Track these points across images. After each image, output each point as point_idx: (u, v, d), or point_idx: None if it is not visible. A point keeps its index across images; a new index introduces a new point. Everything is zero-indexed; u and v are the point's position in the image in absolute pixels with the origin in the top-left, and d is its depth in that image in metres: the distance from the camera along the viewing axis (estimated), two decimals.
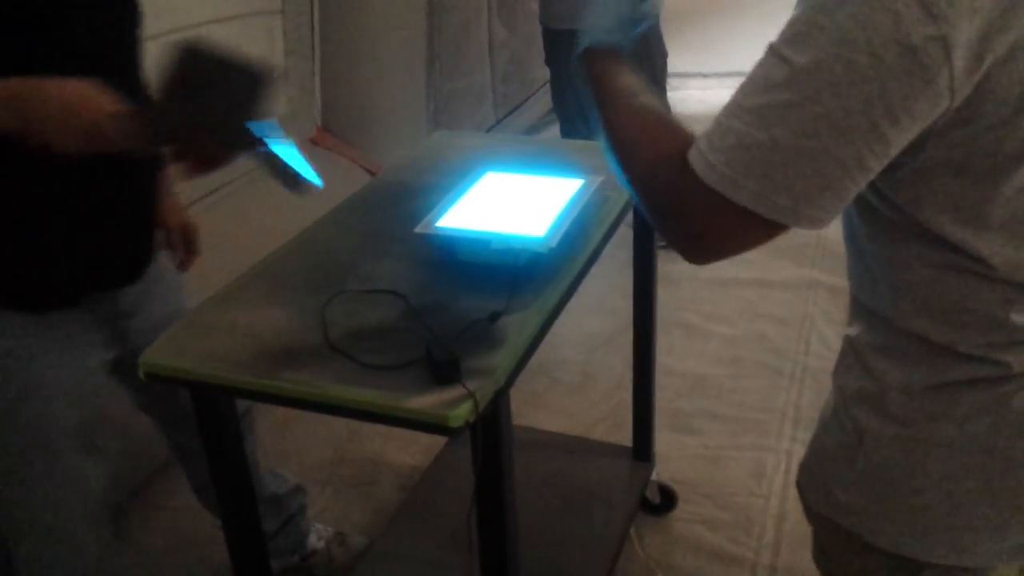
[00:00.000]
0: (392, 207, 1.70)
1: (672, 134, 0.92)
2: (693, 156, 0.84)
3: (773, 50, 0.80)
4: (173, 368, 1.27)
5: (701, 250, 0.87)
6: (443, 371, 1.18)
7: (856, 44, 0.75)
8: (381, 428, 2.40)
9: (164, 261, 1.67)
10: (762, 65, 0.81)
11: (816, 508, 1.08)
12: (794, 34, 0.79)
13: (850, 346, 1.04)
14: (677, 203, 0.86)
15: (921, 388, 0.95)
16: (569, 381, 2.77)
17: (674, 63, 3.53)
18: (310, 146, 2.88)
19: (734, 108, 0.82)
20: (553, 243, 1.40)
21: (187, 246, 1.76)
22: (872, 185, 0.86)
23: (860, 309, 1.02)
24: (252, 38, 2.58)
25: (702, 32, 5.40)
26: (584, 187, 1.60)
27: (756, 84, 0.81)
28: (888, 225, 0.91)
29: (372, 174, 2.97)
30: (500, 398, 1.21)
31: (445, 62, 3.35)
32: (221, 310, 1.39)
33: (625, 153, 0.96)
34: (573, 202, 1.54)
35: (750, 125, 0.80)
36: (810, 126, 0.77)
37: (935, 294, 0.91)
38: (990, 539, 0.98)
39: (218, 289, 1.46)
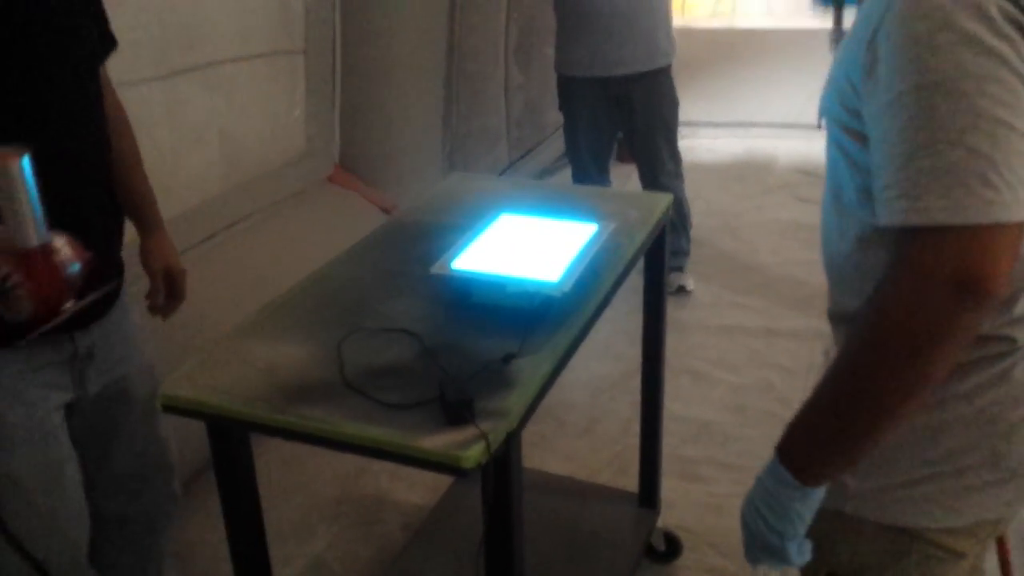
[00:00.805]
0: (408, 247, 1.72)
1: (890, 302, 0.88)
2: (929, 238, 0.83)
3: (900, 96, 0.84)
4: (190, 400, 1.29)
5: (982, 294, 0.84)
6: (456, 412, 1.19)
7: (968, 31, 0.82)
8: (388, 466, 2.40)
9: (128, 306, 1.61)
10: (898, 114, 0.85)
11: (822, 505, 1.05)
12: (909, 65, 0.84)
13: None
14: (940, 275, 0.83)
15: None
16: (575, 424, 2.78)
17: (685, 112, 3.57)
18: (328, 184, 2.92)
19: (900, 160, 0.84)
20: (567, 287, 1.42)
21: (170, 291, 1.69)
22: None
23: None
24: (275, 77, 2.63)
25: (712, 82, 5.47)
26: (598, 233, 1.62)
27: (910, 126, 0.84)
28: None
29: (387, 212, 3.01)
30: (512, 440, 1.23)
31: (462, 104, 3.40)
32: (238, 344, 1.41)
33: (880, 354, 0.89)
34: (587, 247, 1.56)
35: (934, 155, 0.82)
36: (987, 113, 0.81)
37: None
38: (986, 498, 1.03)
39: (235, 323, 1.48)
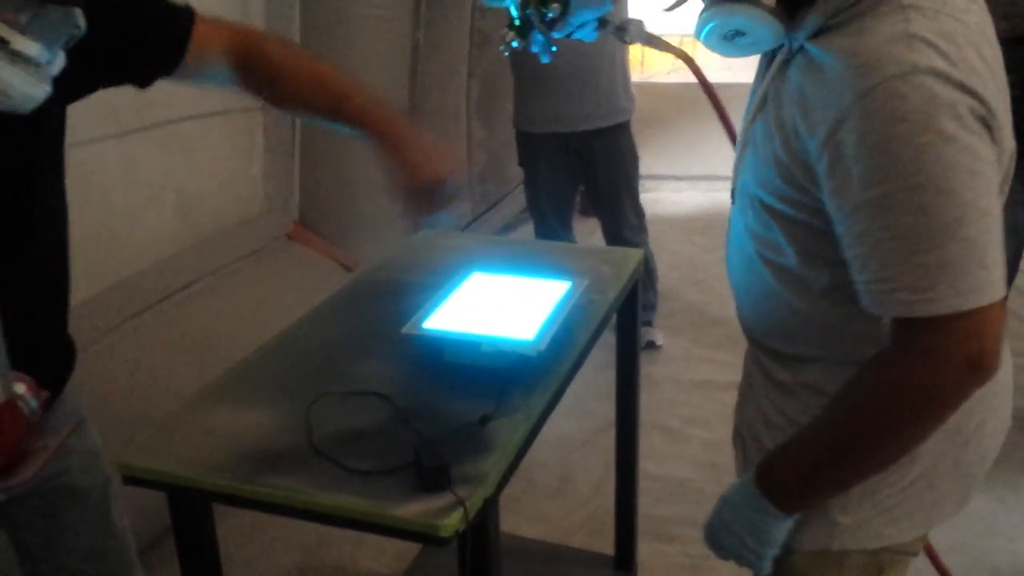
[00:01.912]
0: (377, 306, 1.67)
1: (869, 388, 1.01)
2: (951, 322, 0.91)
3: (886, 197, 0.91)
4: (150, 471, 1.22)
5: (990, 368, 0.94)
6: (432, 478, 1.14)
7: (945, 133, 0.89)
8: (351, 534, 2.32)
9: (74, 403, 1.41)
10: (886, 214, 0.91)
11: (807, 548, 1.15)
12: (893, 165, 0.90)
13: (815, 393, 1.13)
14: (957, 357, 0.93)
15: None
16: (546, 484, 2.71)
17: (647, 166, 3.60)
18: (288, 242, 2.87)
19: (898, 257, 0.92)
20: (543, 346, 1.38)
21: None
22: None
23: (819, 362, 1.13)
24: (232, 134, 2.59)
25: (674, 136, 5.55)
26: (571, 290, 1.59)
27: (904, 224, 0.91)
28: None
29: (349, 270, 2.95)
30: (489, 506, 1.17)
31: None
32: (201, 411, 1.35)
33: (891, 429, 1.00)
34: (561, 304, 1.53)
35: (936, 249, 0.90)
36: (974, 205, 0.90)
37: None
38: (948, 502, 1.15)
39: (197, 388, 1.41)
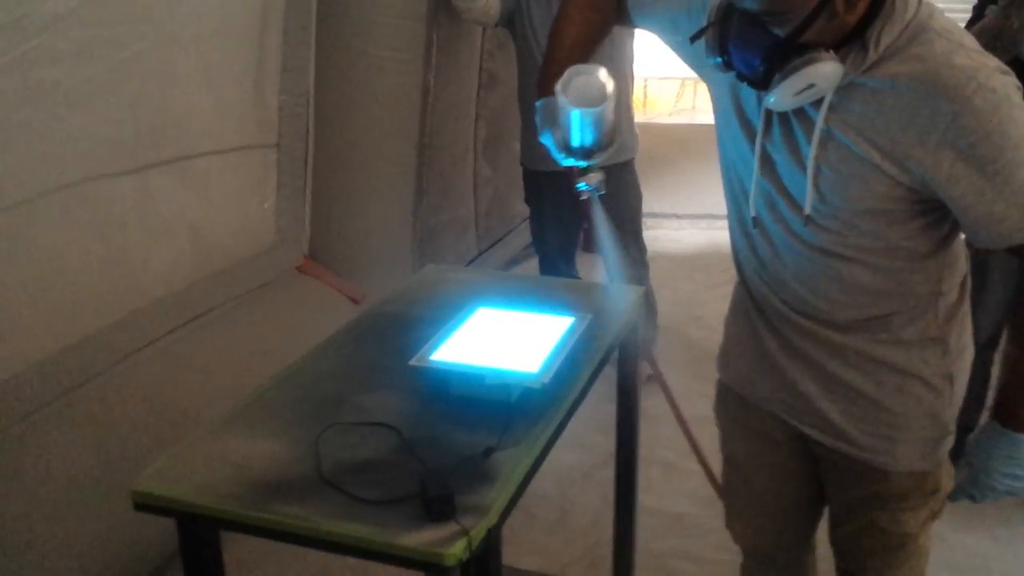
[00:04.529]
0: (385, 339, 1.72)
1: None
2: None
3: (1007, 164, 1.20)
4: (163, 498, 1.26)
5: None
6: (437, 507, 1.18)
7: None
8: (351, 562, 2.34)
9: None
10: (1015, 178, 1.21)
11: (887, 468, 1.48)
12: (1000, 145, 1.20)
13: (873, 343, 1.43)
14: None
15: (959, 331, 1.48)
16: (545, 517, 2.74)
17: (649, 204, 3.65)
18: (297, 274, 2.92)
19: None
20: (547, 379, 1.42)
21: None
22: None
23: (896, 321, 1.42)
24: (247, 170, 2.65)
25: (675, 176, 5.62)
26: (575, 324, 1.63)
27: (1021, 170, 1.21)
28: (947, 239, 1.37)
29: (356, 302, 3.00)
30: (492, 536, 1.21)
31: (432, 196, 3.44)
32: (212, 440, 1.39)
33: None
34: (565, 339, 1.57)
35: None
36: None
37: (961, 266, 1.44)
38: None
39: (208, 417, 1.45)
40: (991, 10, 2.35)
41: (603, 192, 1.47)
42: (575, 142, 1.42)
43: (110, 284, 2.23)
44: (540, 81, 1.52)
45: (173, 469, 1.32)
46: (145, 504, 1.28)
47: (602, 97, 1.37)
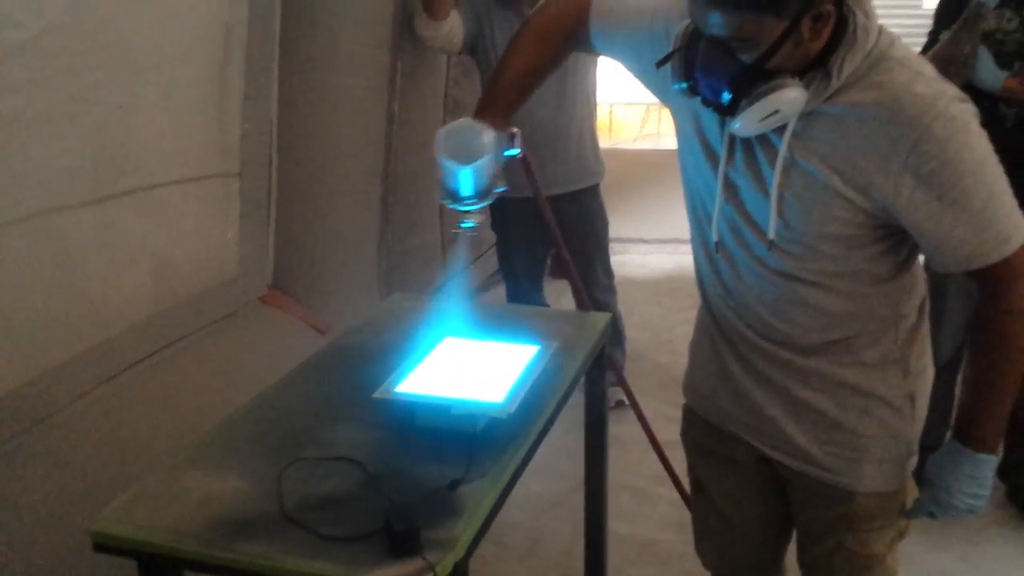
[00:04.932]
0: (349, 371, 1.70)
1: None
2: (1015, 254, 1.27)
3: (964, 190, 1.24)
4: (123, 538, 1.23)
5: None
6: (403, 543, 1.16)
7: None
8: None
9: None
10: (971, 201, 1.24)
11: (852, 489, 1.49)
12: (959, 171, 1.23)
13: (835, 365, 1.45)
14: None
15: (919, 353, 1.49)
16: (517, 547, 2.72)
17: (616, 229, 3.67)
18: (261, 305, 2.89)
19: (991, 204, 1.25)
20: (512, 409, 1.42)
21: None
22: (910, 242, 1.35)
23: (858, 343, 1.43)
24: (209, 200, 2.62)
25: (641, 200, 5.65)
26: (540, 353, 1.63)
27: (983, 204, 1.25)
28: (906, 263, 1.40)
29: (321, 333, 2.97)
30: (459, 570, 1.20)
31: (398, 224, 3.43)
32: (173, 476, 1.36)
33: None
34: (530, 368, 1.56)
35: (1004, 211, 1.27)
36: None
37: (919, 289, 1.47)
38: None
39: (169, 453, 1.43)
40: (943, 36, 2.40)
41: (475, 234, 1.56)
42: (451, 188, 1.48)
43: (70, 317, 2.19)
44: (479, 104, 1.55)
45: (133, 508, 1.29)
46: (105, 545, 1.25)
47: (473, 159, 1.42)
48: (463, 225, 1.53)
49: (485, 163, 1.44)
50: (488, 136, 1.44)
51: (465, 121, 1.45)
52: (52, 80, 1.98)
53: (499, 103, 1.53)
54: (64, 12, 1.94)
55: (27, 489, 1.94)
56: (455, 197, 1.49)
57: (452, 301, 1.96)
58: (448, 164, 1.43)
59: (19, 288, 2.02)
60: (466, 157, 1.42)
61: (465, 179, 1.45)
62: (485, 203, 1.50)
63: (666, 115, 6.74)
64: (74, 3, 1.96)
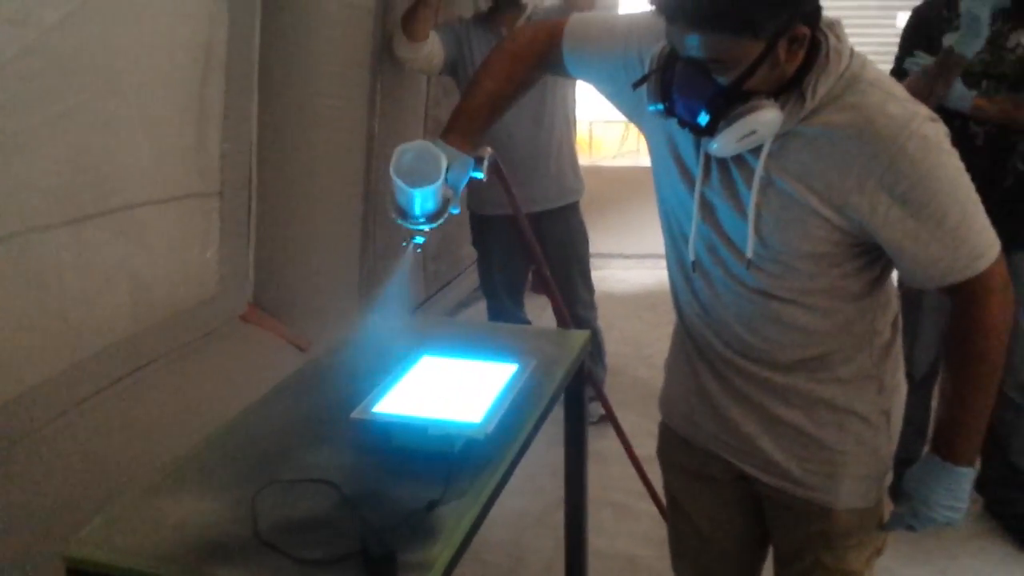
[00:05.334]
0: (327, 391, 1.70)
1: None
2: (987, 270, 1.30)
3: (937, 207, 1.26)
4: (97, 563, 1.22)
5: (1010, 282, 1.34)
6: (379, 567, 1.16)
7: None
8: None
9: None
10: (945, 218, 1.26)
11: (830, 505, 1.50)
12: (932, 189, 1.26)
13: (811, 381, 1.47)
14: (1006, 282, 1.34)
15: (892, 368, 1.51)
16: (498, 565, 2.71)
17: (595, 245, 3.68)
18: (241, 323, 2.88)
19: (964, 221, 1.28)
20: (490, 429, 1.42)
21: None
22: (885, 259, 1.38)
23: (834, 359, 1.45)
24: (188, 219, 2.62)
25: (621, 217, 5.68)
26: (519, 372, 1.63)
27: (958, 222, 1.27)
28: (880, 279, 1.43)
29: (303, 350, 2.97)
30: None
31: (379, 241, 3.43)
32: (147, 500, 1.36)
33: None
34: (508, 387, 1.57)
35: (975, 227, 1.29)
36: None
37: (893, 305, 1.49)
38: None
39: (143, 475, 1.42)
40: (909, 63, 2.43)
41: (420, 249, 1.59)
42: (402, 205, 1.50)
43: (47, 337, 2.17)
44: (447, 125, 1.56)
45: (107, 532, 1.28)
46: (78, 570, 1.24)
47: (420, 183, 1.44)
48: (414, 241, 1.56)
49: (435, 189, 1.45)
50: (443, 162, 1.45)
51: (424, 144, 1.46)
52: (30, 101, 1.98)
53: (467, 126, 1.53)
54: (41, 34, 1.94)
55: (2, 508, 1.93)
56: (404, 215, 1.51)
57: (387, 317, 1.98)
58: (398, 183, 1.44)
59: None
60: (418, 179, 1.44)
61: (416, 200, 1.47)
62: (434, 224, 1.51)
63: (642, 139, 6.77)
64: (51, 26, 1.96)
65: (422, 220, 1.50)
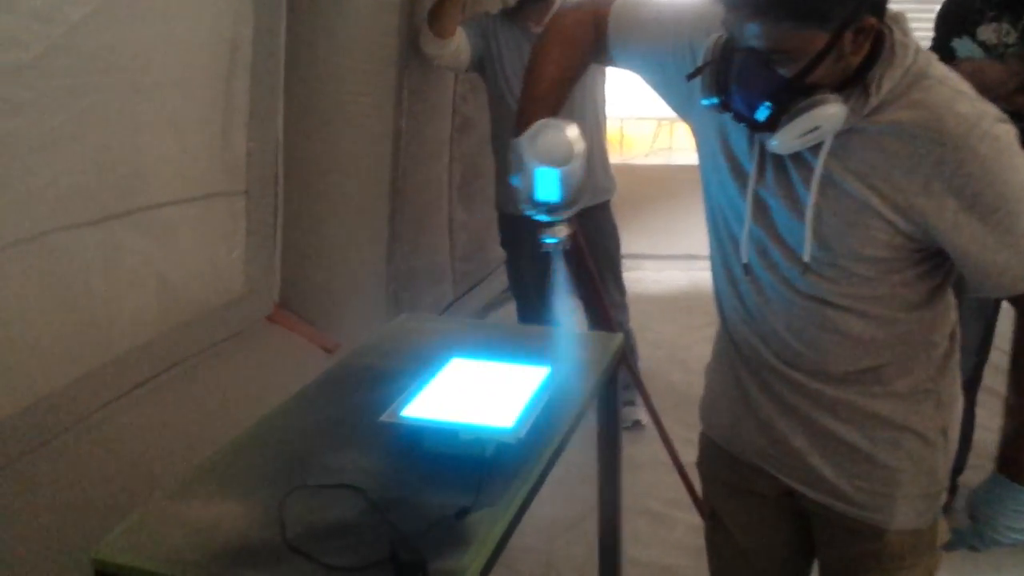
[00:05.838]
0: (355, 394, 1.66)
1: None
2: None
3: (1009, 212, 1.19)
4: (123, 566, 1.19)
5: None
6: (408, 574, 1.12)
7: None
8: None
9: None
10: (1017, 223, 1.19)
11: (883, 526, 1.41)
12: (1004, 191, 1.18)
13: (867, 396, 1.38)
14: None
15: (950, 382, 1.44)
16: (530, 572, 2.66)
17: (628, 246, 3.62)
18: (268, 324, 2.86)
19: None
20: (522, 434, 1.37)
21: None
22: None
23: (889, 372, 1.37)
24: (214, 219, 2.60)
25: (654, 216, 5.60)
26: (551, 375, 1.59)
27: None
28: (940, 288, 1.35)
29: (329, 352, 2.94)
30: None
31: (406, 242, 3.40)
32: (175, 503, 1.33)
33: None
34: (541, 391, 1.52)
35: None
36: None
37: (951, 316, 1.41)
38: None
39: (171, 478, 1.39)
40: (953, 44, 2.35)
41: (567, 248, 1.40)
42: (539, 197, 1.34)
43: (74, 338, 2.16)
44: (518, 119, 1.46)
45: (134, 535, 1.26)
46: (106, 573, 1.22)
47: (567, 157, 1.30)
48: (545, 241, 1.38)
49: (574, 167, 1.31)
50: (572, 130, 1.32)
51: (548, 122, 1.32)
52: (55, 101, 1.96)
53: (541, 111, 1.40)
54: (66, 33, 1.93)
55: (30, 512, 1.91)
56: (535, 204, 1.34)
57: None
58: (540, 171, 1.30)
59: (23, 308, 2.00)
60: (554, 161, 1.30)
61: (551, 183, 1.31)
62: (569, 212, 1.36)
63: (678, 129, 6.67)
64: (77, 24, 1.94)
65: (564, 205, 1.33)
